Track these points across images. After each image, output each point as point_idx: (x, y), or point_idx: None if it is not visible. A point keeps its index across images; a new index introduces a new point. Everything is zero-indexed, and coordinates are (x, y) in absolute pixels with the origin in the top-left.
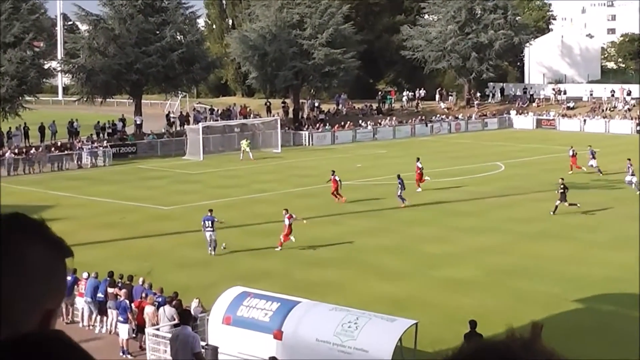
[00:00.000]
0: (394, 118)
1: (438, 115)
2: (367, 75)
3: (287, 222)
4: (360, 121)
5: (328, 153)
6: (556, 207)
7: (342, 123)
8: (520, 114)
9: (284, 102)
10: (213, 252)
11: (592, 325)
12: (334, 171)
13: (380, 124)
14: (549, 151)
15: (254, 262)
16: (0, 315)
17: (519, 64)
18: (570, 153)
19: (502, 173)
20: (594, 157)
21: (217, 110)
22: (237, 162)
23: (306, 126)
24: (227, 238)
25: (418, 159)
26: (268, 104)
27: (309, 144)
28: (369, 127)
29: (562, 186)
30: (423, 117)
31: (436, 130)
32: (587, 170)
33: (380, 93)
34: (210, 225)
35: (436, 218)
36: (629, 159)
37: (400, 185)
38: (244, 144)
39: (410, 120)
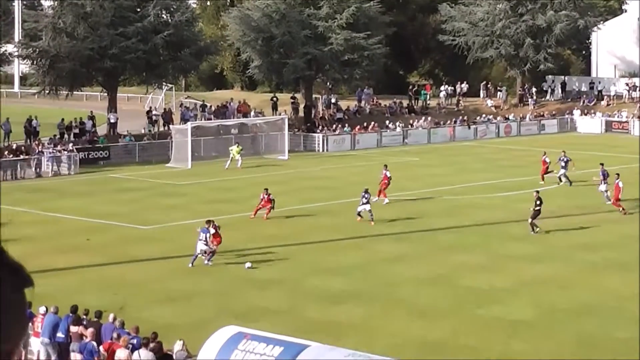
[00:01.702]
0: (430, 118)
1: (484, 116)
2: (396, 65)
3: (212, 231)
4: (387, 122)
5: (347, 160)
6: (532, 225)
7: (365, 124)
8: (585, 115)
9: (293, 98)
10: (191, 265)
11: None
12: (266, 188)
13: (412, 125)
14: (621, 161)
15: (254, 295)
16: None
17: (584, 52)
18: (547, 159)
19: (563, 188)
20: (565, 167)
21: (210, 106)
22: (233, 170)
23: (320, 127)
24: (223, 266)
25: (386, 167)
26: (274, 99)
27: (323, 150)
28: (398, 129)
29: (537, 200)
30: (465, 118)
31: (481, 133)
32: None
33: (412, 87)
34: (204, 238)
35: (482, 243)
36: (602, 164)
37: (363, 199)
38: (234, 150)
39: (449, 121)
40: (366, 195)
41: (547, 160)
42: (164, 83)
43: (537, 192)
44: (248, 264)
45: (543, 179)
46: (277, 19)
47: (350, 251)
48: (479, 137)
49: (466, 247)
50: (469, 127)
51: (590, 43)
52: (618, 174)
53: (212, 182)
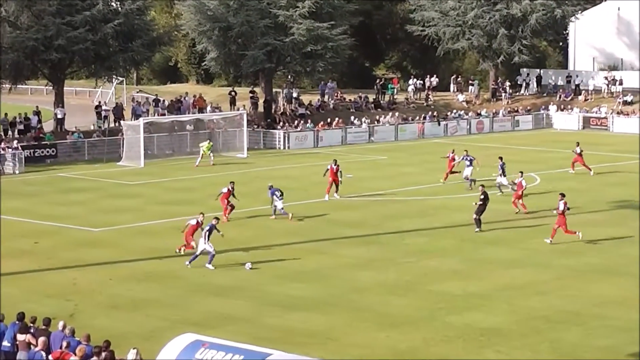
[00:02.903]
0: (397, 114)
1: (455, 111)
2: (362, 58)
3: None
4: (352, 117)
5: (309, 159)
6: (477, 221)
7: (329, 120)
8: (562, 110)
9: (252, 92)
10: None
11: None
12: (232, 182)
13: (378, 121)
14: (600, 159)
15: (213, 302)
16: None
17: (561, 44)
18: (450, 155)
19: (539, 188)
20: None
21: (164, 101)
22: (190, 169)
23: (281, 123)
24: (179, 271)
25: (335, 161)
26: (232, 93)
27: (284, 147)
28: (364, 125)
29: (482, 195)
30: (435, 113)
31: (452, 130)
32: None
33: (379, 81)
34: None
35: (455, 246)
36: (501, 157)
37: (275, 197)
38: (204, 147)
39: (418, 117)
40: (276, 192)
41: (455, 158)
42: (114, 76)
43: (483, 186)
44: (248, 265)
45: (446, 177)
46: (234, 7)
47: (313, 255)
48: (450, 134)
49: (438, 251)
50: (439, 124)
51: (567, 34)
52: (521, 172)
53: (166, 181)
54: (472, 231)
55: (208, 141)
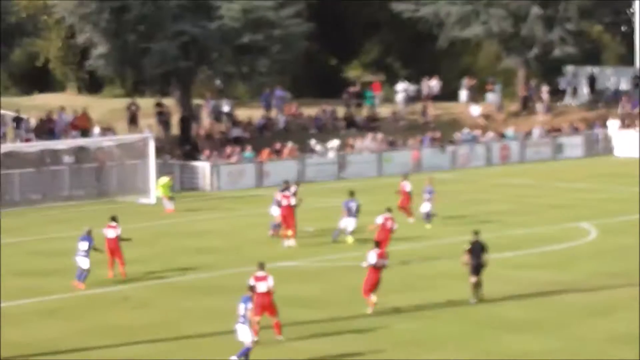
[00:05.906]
0: (380, 135)
1: (466, 131)
2: (325, 52)
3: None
4: (313, 142)
5: (248, 205)
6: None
7: (278, 145)
8: (626, 128)
9: (160, 105)
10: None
11: None
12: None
13: (352, 146)
14: None
15: None
16: None
17: (624, 29)
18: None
19: (595, 243)
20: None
21: (29, 119)
22: (65, 222)
23: (206, 151)
24: None
25: (286, 184)
26: (131, 108)
27: (211, 187)
28: (331, 153)
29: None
30: (437, 135)
31: (463, 160)
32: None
33: (352, 87)
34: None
35: (463, 333)
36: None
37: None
38: (161, 184)
39: (411, 140)
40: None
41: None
42: None
43: (476, 233)
44: None
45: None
46: None
47: (257, 350)
48: (460, 165)
49: (441, 341)
50: (444, 150)
51: (632, 14)
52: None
53: (31, 241)
54: (486, 310)
55: (169, 178)
